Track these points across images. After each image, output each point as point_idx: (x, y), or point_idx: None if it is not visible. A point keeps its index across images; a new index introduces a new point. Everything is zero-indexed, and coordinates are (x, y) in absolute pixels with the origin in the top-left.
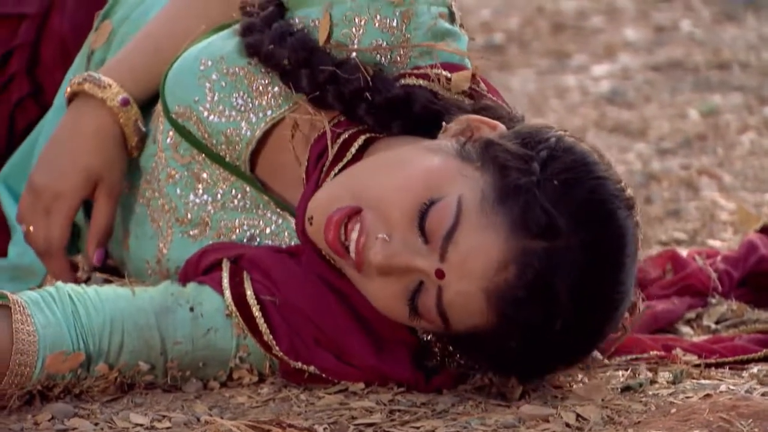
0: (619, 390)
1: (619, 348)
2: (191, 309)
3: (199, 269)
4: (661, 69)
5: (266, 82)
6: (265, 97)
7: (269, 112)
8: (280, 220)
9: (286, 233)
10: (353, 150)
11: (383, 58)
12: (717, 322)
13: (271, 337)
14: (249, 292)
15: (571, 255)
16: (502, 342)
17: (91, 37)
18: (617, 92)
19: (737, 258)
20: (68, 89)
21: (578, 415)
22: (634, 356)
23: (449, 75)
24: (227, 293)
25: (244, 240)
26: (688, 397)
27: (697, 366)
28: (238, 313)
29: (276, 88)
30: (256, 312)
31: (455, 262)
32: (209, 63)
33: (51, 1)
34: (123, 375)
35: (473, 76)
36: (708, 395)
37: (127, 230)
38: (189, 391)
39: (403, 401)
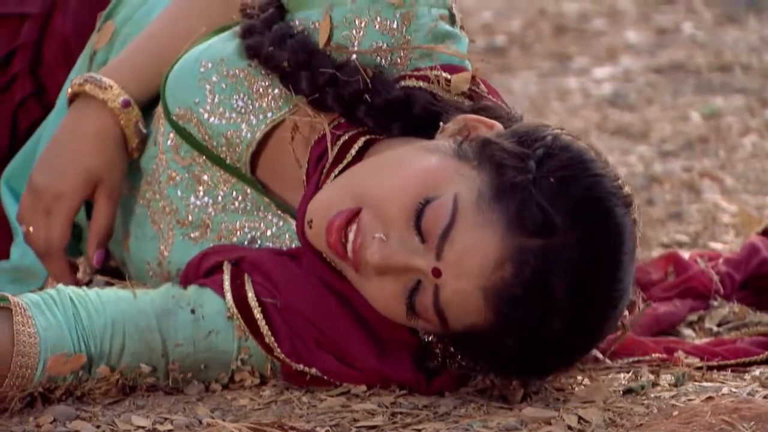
0: (621, 392)
1: (620, 350)
2: (192, 311)
3: (200, 272)
4: (662, 71)
5: (266, 84)
6: (265, 99)
7: (269, 114)
8: (281, 223)
9: (287, 235)
10: (353, 152)
11: (383, 60)
12: (719, 325)
13: (272, 339)
14: (250, 294)
15: (568, 252)
16: (499, 340)
17: (94, 38)
18: (619, 94)
19: (739, 260)
20: (69, 90)
21: (580, 418)
22: (635, 359)
23: (449, 77)
24: (228, 295)
25: (245, 242)
26: (690, 400)
27: (699, 368)
28: (239, 316)
29: (276, 90)
30: (258, 314)
31: (452, 260)
32: (209, 65)
33: (53, 1)
34: (124, 377)
35: (473, 77)
36: (710, 398)
37: (127, 231)
38: (191, 394)
39: (405, 404)
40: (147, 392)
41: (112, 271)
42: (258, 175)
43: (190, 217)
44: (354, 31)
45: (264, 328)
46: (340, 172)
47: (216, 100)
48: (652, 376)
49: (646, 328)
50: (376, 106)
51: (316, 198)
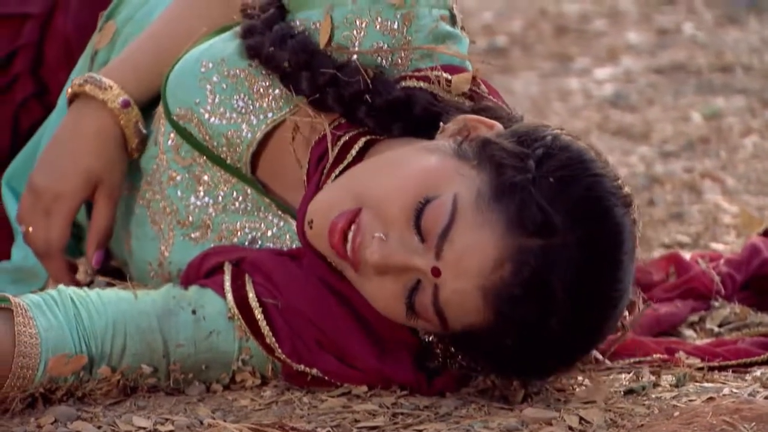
0: (622, 393)
1: (621, 351)
2: (193, 312)
3: (201, 272)
4: (663, 72)
5: (267, 84)
6: (266, 99)
7: (270, 114)
8: (281, 223)
9: (287, 236)
10: (354, 152)
11: (384, 61)
12: (720, 325)
13: (273, 339)
14: (251, 295)
15: (567, 252)
16: (498, 340)
17: (95, 38)
18: (620, 95)
19: (740, 261)
20: (69, 90)
21: (581, 418)
22: (637, 359)
23: (449, 77)
24: (229, 296)
25: (246, 243)
26: (691, 401)
27: (700, 369)
28: (240, 316)
29: (277, 91)
30: (259, 315)
31: (451, 260)
32: (210, 65)
33: (55, 1)
34: (126, 378)
35: (473, 78)
36: (711, 398)
37: (128, 231)
38: (192, 394)
39: (406, 404)
40: (148, 393)
41: (114, 272)
42: (258, 176)
43: (190, 218)
44: (355, 32)
45: (265, 328)
46: (341, 173)
47: (216, 100)
48: (653, 377)
49: (647, 329)
50: (377, 106)
51: (317, 198)
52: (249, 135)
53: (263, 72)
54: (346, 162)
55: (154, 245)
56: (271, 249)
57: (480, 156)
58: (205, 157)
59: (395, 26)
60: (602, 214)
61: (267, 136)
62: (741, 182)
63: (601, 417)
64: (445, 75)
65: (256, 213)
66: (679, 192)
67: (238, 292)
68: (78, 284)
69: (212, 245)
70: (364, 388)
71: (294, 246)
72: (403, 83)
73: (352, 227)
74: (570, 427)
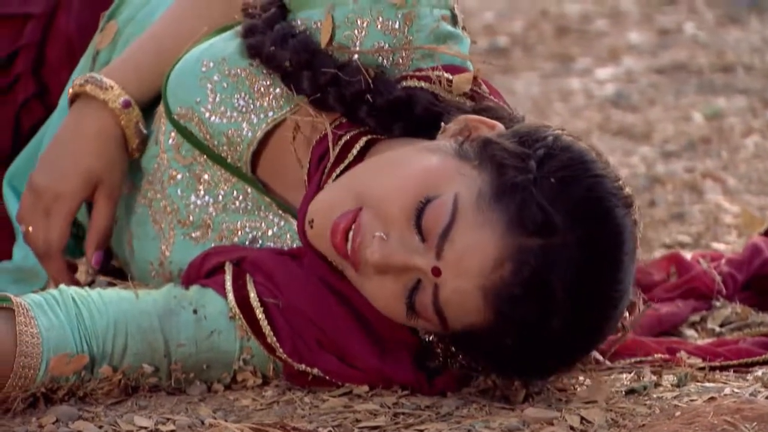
0: (624, 393)
1: (623, 351)
2: (195, 311)
3: (202, 272)
4: (665, 72)
5: (268, 83)
6: (267, 99)
7: (270, 114)
8: (282, 222)
9: (288, 235)
10: (354, 152)
11: (385, 60)
12: (721, 325)
13: (274, 339)
14: (252, 295)
15: (568, 252)
16: (498, 340)
17: (97, 38)
18: (621, 95)
19: (741, 261)
20: (70, 90)
21: (582, 418)
22: (638, 359)
23: (451, 77)
24: (230, 296)
25: (246, 242)
26: (692, 401)
27: (702, 369)
28: (241, 316)
29: (277, 90)
30: (260, 314)
31: (451, 259)
32: (211, 64)
33: (57, 1)
34: (127, 377)
35: (475, 78)
36: (712, 398)
37: (129, 231)
38: (193, 394)
39: (407, 404)
40: (149, 392)
41: (115, 272)
42: (259, 175)
43: (191, 217)
44: (356, 31)
45: (266, 328)
46: (342, 172)
47: (217, 99)
48: (654, 377)
49: (649, 329)
50: (378, 106)
51: (318, 198)
52: (249, 134)
53: (264, 71)
54: (347, 161)
55: (155, 245)
56: (272, 248)
57: (481, 156)
58: (205, 156)
59: (396, 26)
60: (603, 214)
61: (267, 135)
62: (742, 182)
63: (602, 417)
64: (446, 75)
65: (256, 212)
66: (681, 192)
67: (239, 291)
68: (78, 284)
69: (213, 245)
70: (366, 387)
71: (294, 245)
72: (405, 83)
73: (353, 227)
74: (571, 427)
